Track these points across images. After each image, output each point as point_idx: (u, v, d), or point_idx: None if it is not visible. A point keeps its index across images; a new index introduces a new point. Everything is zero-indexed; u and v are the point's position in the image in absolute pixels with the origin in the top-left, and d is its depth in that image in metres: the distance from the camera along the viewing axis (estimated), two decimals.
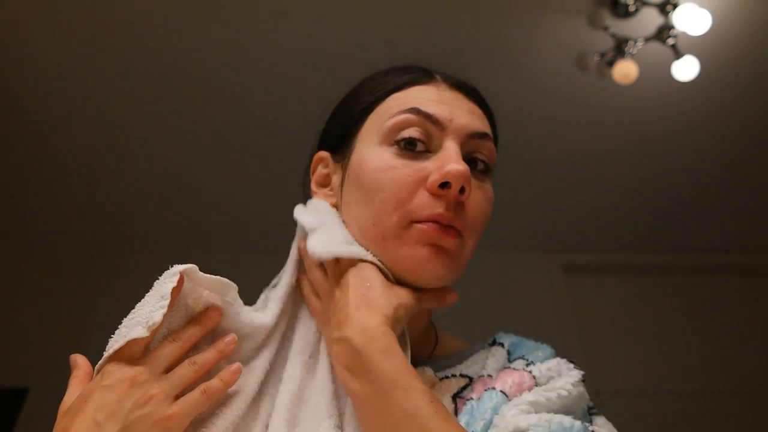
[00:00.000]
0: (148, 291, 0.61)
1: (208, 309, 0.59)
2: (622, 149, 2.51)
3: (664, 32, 1.99)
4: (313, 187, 0.73)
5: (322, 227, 0.64)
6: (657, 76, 2.15)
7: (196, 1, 1.93)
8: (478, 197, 0.63)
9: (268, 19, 2.00)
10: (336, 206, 0.68)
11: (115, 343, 0.56)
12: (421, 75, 0.69)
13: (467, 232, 0.61)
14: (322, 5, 1.97)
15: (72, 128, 2.34)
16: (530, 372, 0.61)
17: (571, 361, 0.63)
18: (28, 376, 2.52)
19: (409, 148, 0.63)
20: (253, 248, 2.79)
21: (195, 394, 0.54)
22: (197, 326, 0.58)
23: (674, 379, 2.69)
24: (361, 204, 0.63)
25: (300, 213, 0.69)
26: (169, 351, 0.56)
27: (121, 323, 0.58)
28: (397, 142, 0.63)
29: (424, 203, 0.60)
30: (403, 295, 0.59)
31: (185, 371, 0.55)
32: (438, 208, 0.59)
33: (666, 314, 2.86)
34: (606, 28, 1.99)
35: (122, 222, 2.77)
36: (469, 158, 0.64)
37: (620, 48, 2.03)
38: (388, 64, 0.75)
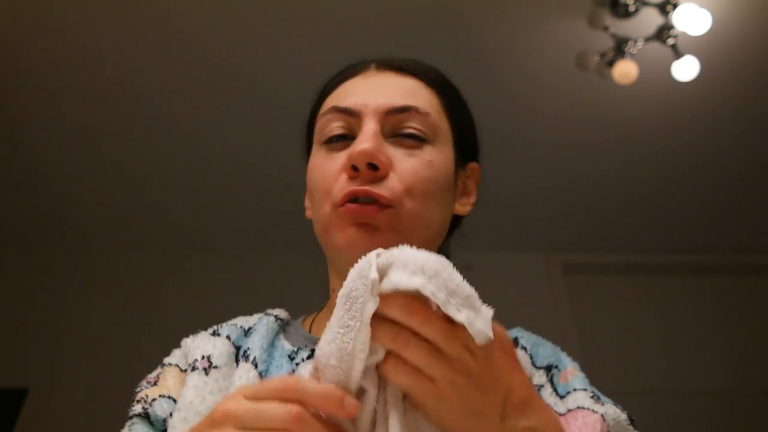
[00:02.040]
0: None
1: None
2: (622, 150, 2.51)
3: (664, 32, 1.99)
4: (306, 203, 0.76)
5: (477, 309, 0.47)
6: (657, 76, 2.15)
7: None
8: (408, 164, 0.63)
9: (280, 17, 2.00)
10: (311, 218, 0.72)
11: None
12: (353, 70, 0.72)
13: (399, 200, 0.61)
14: (322, 6, 1.97)
15: (81, 130, 2.34)
16: (604, 420, 0.59)
17: (632, 419, 0.63)
18: (28, 376, 2.52)
19: (337, 142, 0.66)
20: (254, 247, 2.79)
21: None
22: None
23: (674, 379, 2.69)
24: (312, 207, 0.68)
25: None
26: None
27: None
28: (325, 142, 0.67)
29: (342, 185, 0.63)
30: None
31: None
32: (351, 186, 0.62)
33: (665, 314, 2.86)
34: (606, 28, 1.99)
35: (122, 224, 2.77)
36: (398, 131, 0.66)
37: (620, 48, 2.03)
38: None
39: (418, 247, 0.57)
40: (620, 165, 2.57)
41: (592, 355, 2.61)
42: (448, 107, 0.71)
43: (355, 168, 0.61)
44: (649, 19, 1.98)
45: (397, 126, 0.65)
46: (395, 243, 0.57)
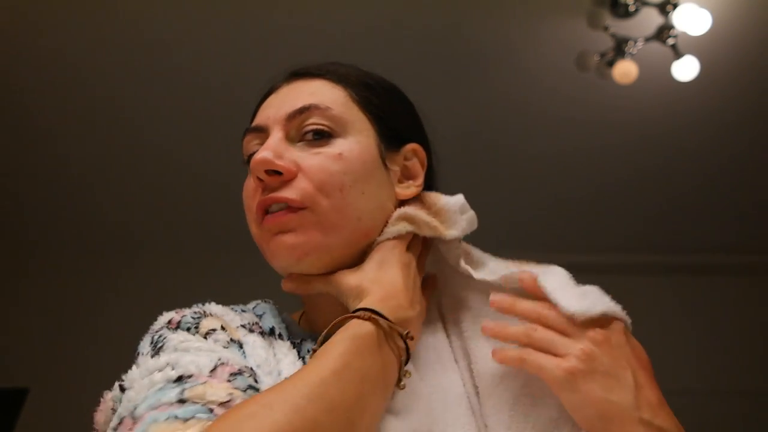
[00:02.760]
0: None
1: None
2: (622, 149, 2.51)
3: (664, 32, 1.99)
4: None
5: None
6: (657, 76, 2.15)
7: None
8: (314, 161, 0.63)
9: (274, 15, 2.00)
10: None
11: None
12: (267, 91, 0.73)
13: (311, 200, 0.61)
14: (324, 7, 1.97)
15: (77, 130, 2.34)
16: None
17: None
18: (28, 376, 2.53)
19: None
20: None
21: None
22: None
23: (673, 379, 2.67)
24: None
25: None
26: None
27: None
28: (246, 163, 0.69)
29: (255, 200, 0.64)
30: None
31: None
32: (261, 196, 0.63)
33: (665, 314, 2.86)
34: (606, 28, 1.99)
35: (122, 224, 2.77)
36: (302, 132, 0.66)
37: (620, 48, 2.03)
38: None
39: (354, 240, 0.64)
40: (620, 165, 2.57)
41: None
42: (360, 98, 0.70)
43: (260, 179, 0.62)
44: (649, 19, 1.98)
45: (300, 128, 0.66)
46: (316, 243, 0.61)
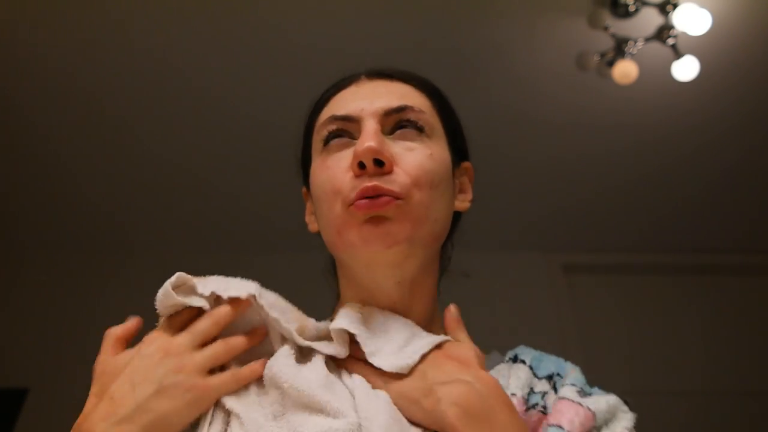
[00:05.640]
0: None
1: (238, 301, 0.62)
2: (622, 149, 2.51)
3: (664, 32, 1.99)
4: (306, 219, 0.77)
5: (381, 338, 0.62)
6: (657, 76, 2.15)
7: (194, 6, 1.94)
8: (411, 157, 0.65)
9: (264, 19, 2.00)
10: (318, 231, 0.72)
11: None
12: (345, 81, 0.74)
13: (407, 191, 0.63)
14: (319, 7, 1.97)
15: (71, 128, 2.34)
16: (587, 407, 0.61)
17: (626, 401, 0.64)
18: (28, 376, 2.52)
19: (336, 139, 0.68)
20: (253, 248, 2.79)
21: (226, 375, 0.58)
22: (229, 308, 0.62)
23: (674, 379, 2.69)
24: (319, 214, 0.69)
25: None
26: (204, 327, 0.60)
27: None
28: (325, 144, 0.69)
29: (351, 185, 0.63)
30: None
31: (218, 349, 0.59)
32: (362, 183, 0.63)
33: (666, 314, 2.86)
34: (606, 28, 1.99)
35: (122, 223, 2.77)
36: (397, 127, 0.68)
37: (620, 48, 2.03)
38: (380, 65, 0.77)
39: (427, 241, 0.65)
40: (620, 165, 2.57)
41: (593, 354, 2.61)
42: (440, 109, 0.73)
43: (361, 166, 0.62)
44: (649, 19, 1.98)
45: (396, 124, 0.68)
46: (407, 234, 0.62)
